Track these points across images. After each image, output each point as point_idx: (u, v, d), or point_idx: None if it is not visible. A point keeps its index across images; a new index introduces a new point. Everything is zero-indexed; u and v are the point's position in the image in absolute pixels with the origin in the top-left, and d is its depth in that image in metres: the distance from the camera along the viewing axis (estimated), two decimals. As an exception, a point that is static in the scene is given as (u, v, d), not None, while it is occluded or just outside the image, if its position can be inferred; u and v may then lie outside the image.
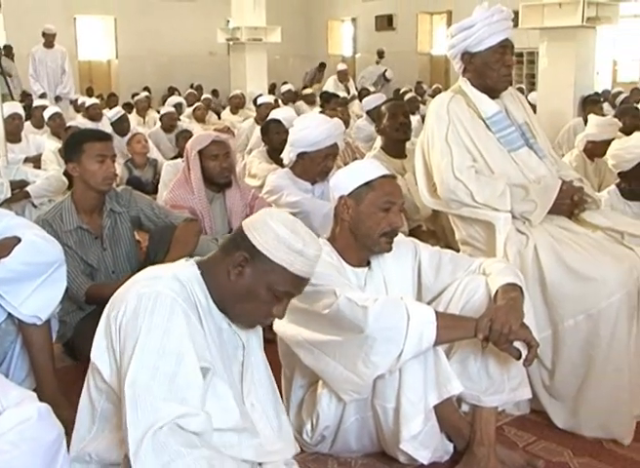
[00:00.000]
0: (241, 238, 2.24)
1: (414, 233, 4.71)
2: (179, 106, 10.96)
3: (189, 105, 12.05)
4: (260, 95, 12.47)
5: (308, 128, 4.30)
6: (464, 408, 2.93)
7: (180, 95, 14.57)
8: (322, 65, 18.55)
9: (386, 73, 16.65)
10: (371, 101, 7.78)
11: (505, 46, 3.54)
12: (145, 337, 2.06)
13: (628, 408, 3.22)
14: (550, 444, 3.22)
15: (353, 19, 22.17)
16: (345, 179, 2.91)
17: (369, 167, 2.95)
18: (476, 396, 2.82)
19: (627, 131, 6.48)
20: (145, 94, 14.48)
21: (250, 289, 2.23)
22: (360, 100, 11.43)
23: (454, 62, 3.70)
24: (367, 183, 2.85)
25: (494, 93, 3.65)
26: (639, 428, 3.27)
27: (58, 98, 11.81)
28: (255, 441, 2.28)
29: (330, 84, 14.56)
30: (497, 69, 3.55)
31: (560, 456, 3.11)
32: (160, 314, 2.08)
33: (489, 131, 3.59)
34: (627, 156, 4.18)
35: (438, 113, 3.61)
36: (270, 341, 2.83)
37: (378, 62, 17.22)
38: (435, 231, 4.77)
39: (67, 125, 8.04)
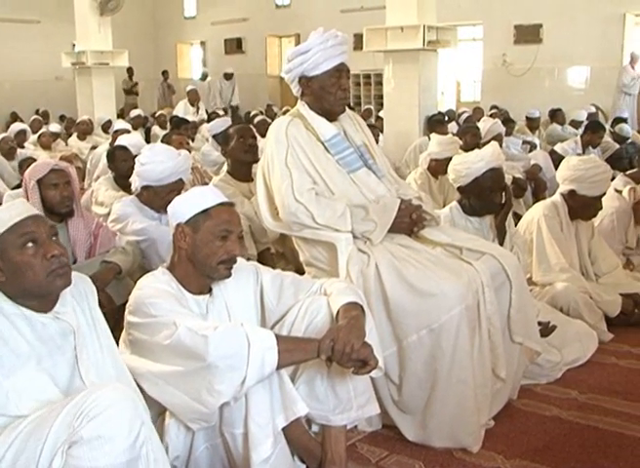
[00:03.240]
0: None
1: (262, 256, 4.73)
2: (22, 133, 10.56)
3: (34, 132, 11.66)
4: (109, 120, 12.25)
5: (153, 163, 4.23)
6: (314, 428, 2.96)
7: (23, 121, 14.07)
8: (165, 73, 18.64)
9: (226, 71, 17.14)
10: (216, 126, 7.75)
11: (341, 70, 3.61)
12: None
13: (475, 417, 3.33)
14: (402, 457, 3.29)
15: (202, 43, 22.14)
16: (182, 207, 2.88)
17: (206, 194, 2.92)
18: (325, 416, 2.84)
19: (469, 149, 6.70)
20: (-14, 120, 13.96)
21: (13, 268, 2.38)
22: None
23: (291, 86, 3.74)
24: (204, 211, 2.83)
25: (331, 115, 3.70)
26: (487, 436, 3.39)
27: None
28: None
29: (180, 108, 14.42)
30: (333, 93, 3.61)
31: (412, 469, 3.18)
32: None
33: (328, 153, 3.63)
34: (464, 171, 4.29)
35: (277, 137, 3.63)
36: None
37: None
38: (284, 253, 4.80)
39: None
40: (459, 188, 4.42)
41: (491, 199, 4.29)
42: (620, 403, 3.79)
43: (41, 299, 2.45)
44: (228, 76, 17.28)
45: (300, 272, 3.71)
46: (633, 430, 3.49)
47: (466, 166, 4.28)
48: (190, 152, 6.83)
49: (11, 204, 2.52)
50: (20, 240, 2.39)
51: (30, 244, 2.40)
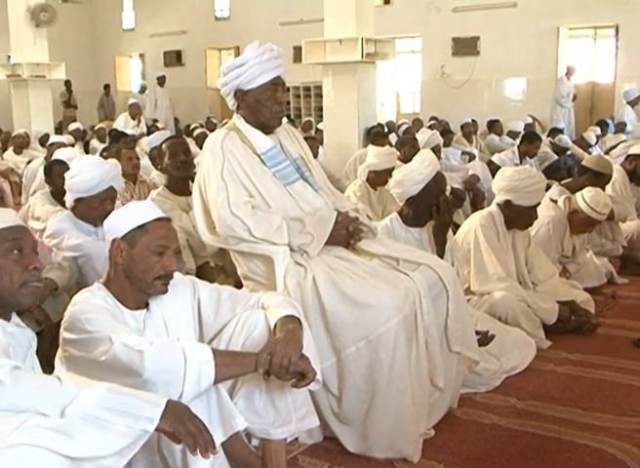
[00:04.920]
0: None
1: (201, 270, 4.70)
2: (-44, 147, 10.39)
3: (-31, 147, 11.46)
4: (47, 134, 12.08)
5: (80, 174, 4.20)
6: (254, 442, 2.94)
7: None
8: (106, 87, 18.49)
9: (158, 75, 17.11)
10: (155, 139, 7.69)
11: (277, 83, 3.62)
12: None
13: (414, 427, 3.35)
14: (343, 468, 3.29)
15: (141, 55, 21.97)
16: (119, 222, 2.86)
17: (143, 209, 2.90)
18: (264, 429, 2.83)
19: (407, 160, 6.76)
20: None
21: None
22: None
23: (227, 99, 3.72)
24: (140, 226, 2.81)
25: (267, 129, 3.70)
26: (427, 445, 3.42)
27: None
28: None
29: (121, 121, 14.28)
30: (269, 106, 3.62)
31: (352, 480, 3.19)
32: None
33: (264, 166, 3.62)
34: (418, 178, 4.25)
35: (213, 151, 3.61)
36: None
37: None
38: (224, 267, 4.77)
39: None
40: (407, 200, 4.37)
41: (438, 203, 4.30)
42: (557, 409, 3.85)
43: (2, 309, 2.43)
44: (161, 80, 17.14)
45: (241, 286, 3.71)
46: (571, 435, 3.55)
47: (418, 172, 4.27)
48: (139, 166, 6.80)
49: (3, 210, 2.55)
50: (7, 244, 2.39)
51: (16, 251, 2.39)
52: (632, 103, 13.55)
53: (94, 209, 4.22)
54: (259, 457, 2.89)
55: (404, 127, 11.95)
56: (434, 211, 4.27)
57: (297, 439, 3.37)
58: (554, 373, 4.36)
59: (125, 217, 2.86)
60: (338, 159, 9.15)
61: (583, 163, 6.56)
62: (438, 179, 4.30)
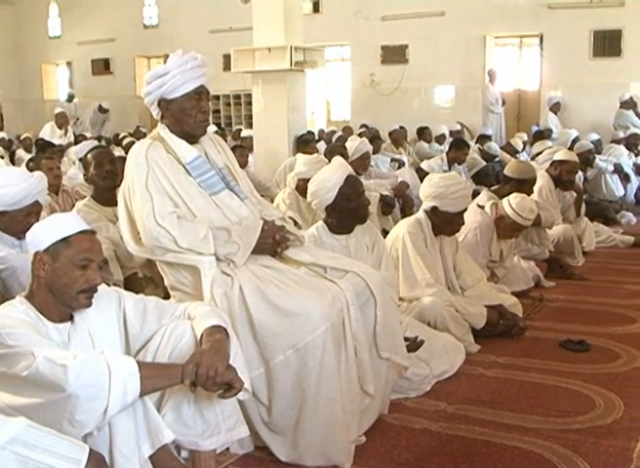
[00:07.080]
0: None
1: (129, 281, 4.65)
2: None
3: None
4: (-30, 144, 11.81)
5: (5, 187, 4.09)
6: (184, 453, 2.92)
7: None
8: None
9: (102, 104, 16.73)
10: (83, 149, 7.56)
11: (201, 92, 3.61)
12: None
13: (345, 434, 3.36)
14: (274, 478, 3.29)
15: (68, 63, 21.60)
16: (41, 234, 2.79)
17: (66, 221, 2.84)
18: (194, 441, 2.82)
19: (336, 167, 6.78)
20: None
21: None
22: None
23: (151, 109, 3.70)
24: (64, 239, 2.75)
25: (192, 138, 3.68)
26: (358, 452, 3.43)
27: None
28: None
29: (46, 130, 13.99)
30: (193, 115, 3.60)
31: (283, 489, 3.20)
32: None
33: (189, 176, 3.60)
34: (329, 184, 4.27)
35: (137, 161, 3.57)
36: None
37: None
38: (152, 277, 4.72)
39: None
40: (326, 208, 4.37)
41: (359, 205, 4.31)
42: (487, 412, 3.91)
43: None
44: (103, 110, 16.92)
45: (170, 296, 3.68)
46: (500, 438, 3.60)
47: (328, 180, 4.27)
48: (61, 177, 6.68)
49: None
50: None
51: None
52: (554, 109, 13.87)
53: (18, 222, 4.12)
54: (188, 469, 2.87)
55: (337, 135, 11.98)
56: None
57: (227, 449, 3.35)
58: (483, 377, 4.42)
59: (48, 230, 2.80)
60: (267, 167, 9.13)
61: (504, 172, 6.59)
62: (351, 183, 4.28)
